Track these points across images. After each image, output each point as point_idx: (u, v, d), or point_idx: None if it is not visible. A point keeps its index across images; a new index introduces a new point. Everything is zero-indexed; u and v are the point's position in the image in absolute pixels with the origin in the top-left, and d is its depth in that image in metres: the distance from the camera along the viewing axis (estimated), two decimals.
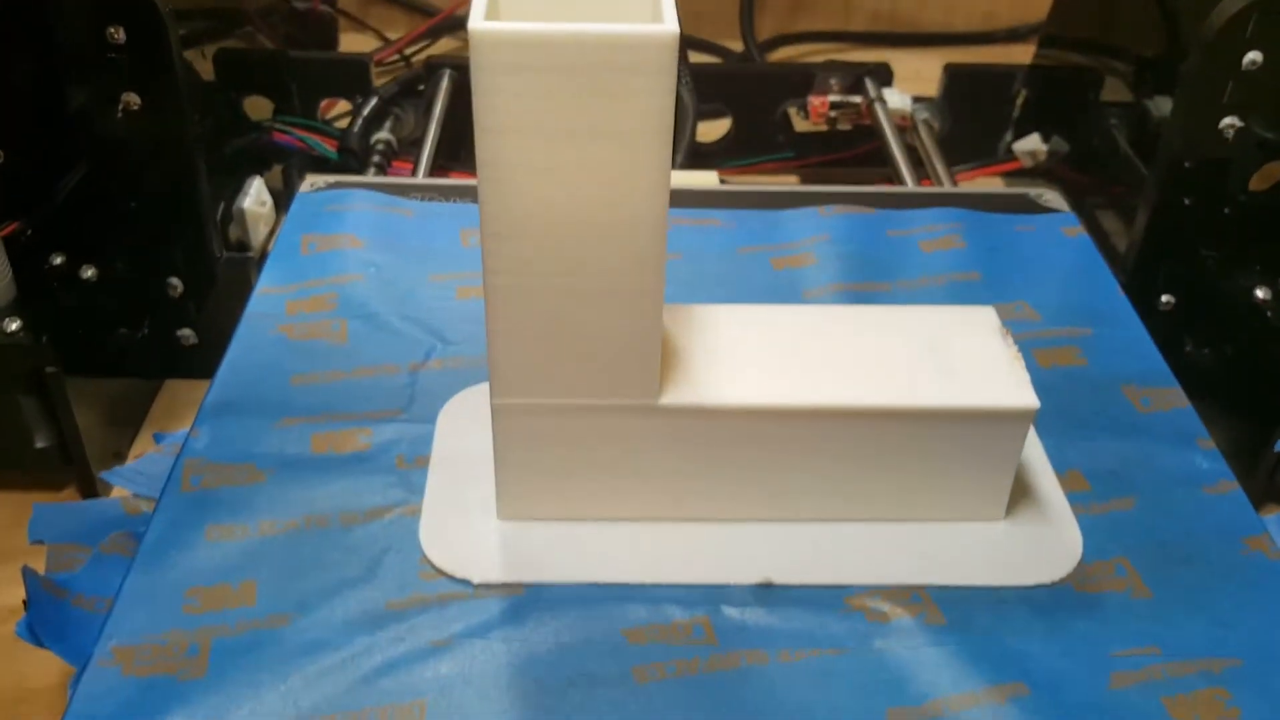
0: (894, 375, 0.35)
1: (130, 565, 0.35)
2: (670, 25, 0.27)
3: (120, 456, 0.52)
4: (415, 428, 0.40)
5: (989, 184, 0.71)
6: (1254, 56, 0.49)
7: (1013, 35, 0.90)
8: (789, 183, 0.74)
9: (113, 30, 0.47)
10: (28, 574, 0.34)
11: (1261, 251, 0.53)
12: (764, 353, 0.36)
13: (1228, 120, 0.51)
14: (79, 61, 0.49)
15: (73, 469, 0.49)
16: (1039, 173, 0.70)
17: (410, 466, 0.39)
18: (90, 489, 0.49)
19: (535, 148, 0.29)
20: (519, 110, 0.28)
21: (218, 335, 0.46)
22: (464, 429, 0.40)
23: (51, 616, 0.34)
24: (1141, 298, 0.55)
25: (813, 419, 0.35)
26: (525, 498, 0.36)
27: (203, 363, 0.52)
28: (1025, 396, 0.34)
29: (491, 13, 0.28)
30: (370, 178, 0.60)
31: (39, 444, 0.48)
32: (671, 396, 0.34)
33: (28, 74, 0.49)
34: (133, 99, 0.49)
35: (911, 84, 0.75)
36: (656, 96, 0.28)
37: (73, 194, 0.51)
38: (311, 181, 0.52)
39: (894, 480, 0.36)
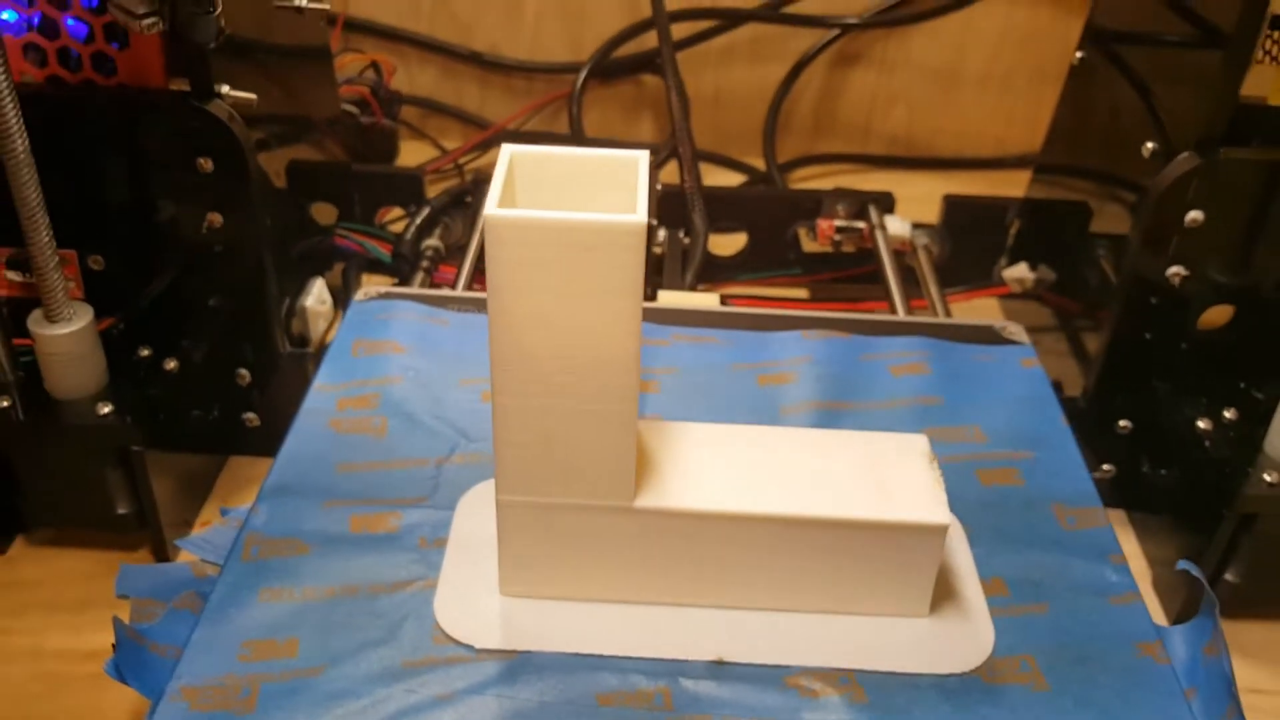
0: (833, 490, 0.40)
1: (197, 620, 0.40)
2: (640, 215, 0.34)
3: (189, 523, 0.57)
4: (437, 513, 0.45)
5: (983, 304, 0.76)
6: (1195, 215, 0.54)
7: (1022, 162, 0.92)
8: (798, 296, 0.79)
9: (202, 161, 0.53)
10: (117, 623, 0.39)
11: (1206, 386, 0.57)
12: (725, 466, 0.41)
13: (1174, 269, 0.55)
14: (171, 185, 0.54)
15: (147, 532, 0.54)
16: (1029, 296, 0.74)
17: (431, 547, 0.44)
18: (162, 550, 0.54)
19: (535, 302, 0.35)
20: (523, 274, 0.35)
21: (277, 418, 0.51)
22: (478, 516, 0.45)
23: (133, 659, 0.39)
24: (1102, 421, 0.60)
25: (763, 524, 0.40)
26: (523, 579, 0.41)
27: (263, 442, 0.57)
28: (939, 514, 0.39)
29: (507, 197, 0.35)
30: (415, 289, 0.65)
31: (120, 510, 0.53)
32: (645, 500, 0.39)
33: (127, 194, 0.55)
34: (216, 218, 0.55)
35: (921, 205, 0.78)
36: (628, 268, 0.34)
37: (160, 295, 0.57)
38: (365, 291, 0.58)
39: (831, 578, 0.41)
